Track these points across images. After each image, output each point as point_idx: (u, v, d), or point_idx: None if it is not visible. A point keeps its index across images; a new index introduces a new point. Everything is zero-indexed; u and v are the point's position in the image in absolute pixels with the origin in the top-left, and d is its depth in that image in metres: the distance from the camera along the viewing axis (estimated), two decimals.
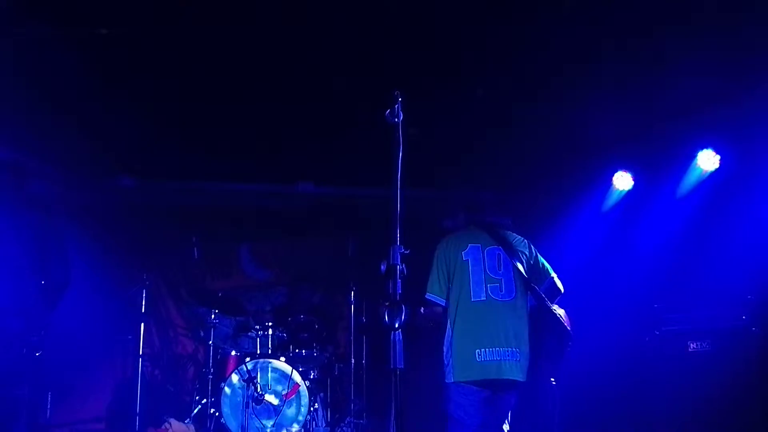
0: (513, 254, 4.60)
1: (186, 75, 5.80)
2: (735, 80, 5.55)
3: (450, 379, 4.42)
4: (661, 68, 5.54)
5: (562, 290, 4.71)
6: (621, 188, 7.32)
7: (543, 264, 4.76)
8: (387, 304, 2.86)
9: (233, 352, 6.97)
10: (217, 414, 6.46)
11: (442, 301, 4.55)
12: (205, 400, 6.67)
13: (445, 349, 4.49)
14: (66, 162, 7.20)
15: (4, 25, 5.03)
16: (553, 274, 4.72)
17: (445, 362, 4.47)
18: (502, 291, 4.50)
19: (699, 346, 5.87)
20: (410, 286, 2.95)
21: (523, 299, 4.57)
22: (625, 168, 7.22)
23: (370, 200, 7.62)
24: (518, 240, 4.77)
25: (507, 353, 4.38)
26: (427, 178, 7.21)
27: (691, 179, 6.74)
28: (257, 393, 6.44)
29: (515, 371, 4.38)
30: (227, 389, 6.51)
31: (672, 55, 5.33)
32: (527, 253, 4.71)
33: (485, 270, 4.56)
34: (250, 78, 5.87)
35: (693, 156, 6.64)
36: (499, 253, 4.61)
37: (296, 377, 6.58)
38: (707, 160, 6.56)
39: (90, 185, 7.78)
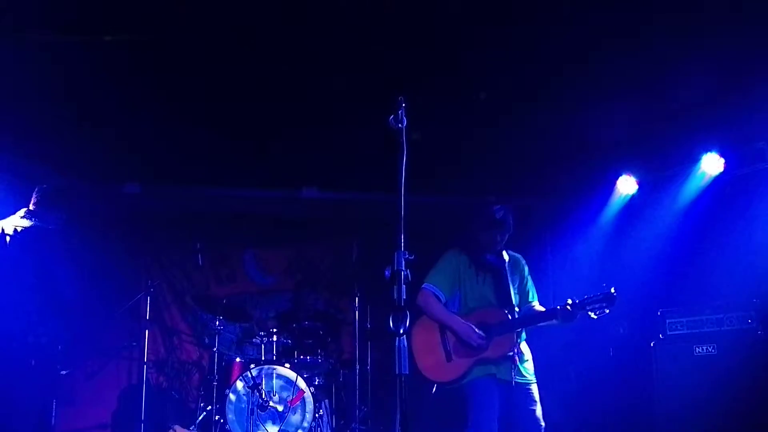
0: None
1: (191, 81, 5.81)
2: (739, 83, 5.54)
3: None
4: (665, 71, 5.53)
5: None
6: (625, 192, 7.31)
7: None
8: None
9: (238, 359, 6.96)
10: (221, 421, 6.45)
11: None
12: (209, 407, 6.65)
13: None
14: (71, 168, 7.21)
15: (9, 30, 5.05)
16: None
17: None
18: None
19: (705, 350, 5.85)
20: (415, 292, 2.94)
21: None
22: (629, 172, 7.21)
23: (375, 205, 7.62)
24: None
25: None
26: (431, 183, 7.20)
27: (695, 183, 6.72)
28: (262, 399, 6.42)
29: None
30: (232, 396, 6.50)
31: (676, 58, 5.32)
32: None
33: None
34: (254, 84, 5.88)
35: (697, 159, 6.63)
36: None
37: (301, 384, 6.57)
38: (712, 164, 6.55)
39: (95, 191, 7.78)
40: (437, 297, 4.84)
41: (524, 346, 4.82)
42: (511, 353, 4.66)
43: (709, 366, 5.76)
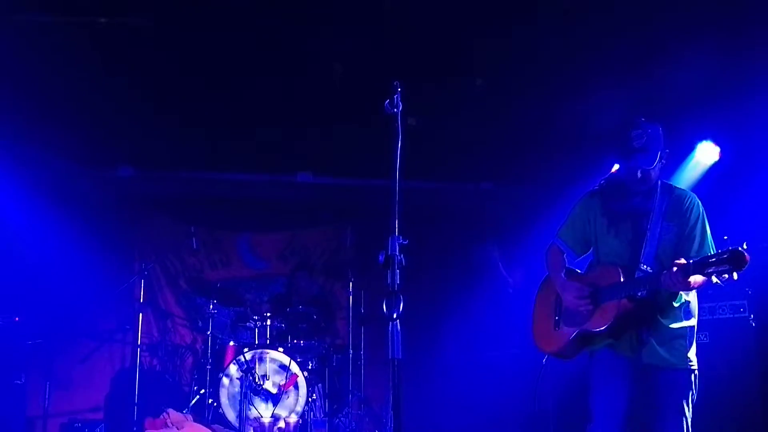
0: None
1: (186, 64, 5.79)
2: (735, 70, 5.54)
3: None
4: (660, 59, 5.53)
5: None
6: None
7: None
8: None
9: (231, 343, 6.96)
10: (215, 404, 6.46)
11: None
12: (203, 391, 6.67)
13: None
14: (65, 151, 7.19)
15: (5, 12, 5.02)
16: None
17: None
18: None
19: (697, 339, 5.86)
20: (409, 277, 2.93)
21: None
22: None
23: (369, 191, 7.61)
24: None
25: None
26: (426, 169, 7.20)
27: (690, 171, 6.71)
28: (255, 383, 6.44)
29: None
30: (225, 380, 6.51)
31: (671, 46, 5.32)
32: None
33: None
34: (250, 69, 5.86)
35: (692, 148, 6.62)
36: None
37: (294, 368, 6.58)
38: (707, 152, 6.54)
39: (89, 174, 7.77)
40: (561, 252, 3.99)
41: (675, 319, 3.81)
42: (608, 325, 3.61)
43: (702, 354, 5.78)
